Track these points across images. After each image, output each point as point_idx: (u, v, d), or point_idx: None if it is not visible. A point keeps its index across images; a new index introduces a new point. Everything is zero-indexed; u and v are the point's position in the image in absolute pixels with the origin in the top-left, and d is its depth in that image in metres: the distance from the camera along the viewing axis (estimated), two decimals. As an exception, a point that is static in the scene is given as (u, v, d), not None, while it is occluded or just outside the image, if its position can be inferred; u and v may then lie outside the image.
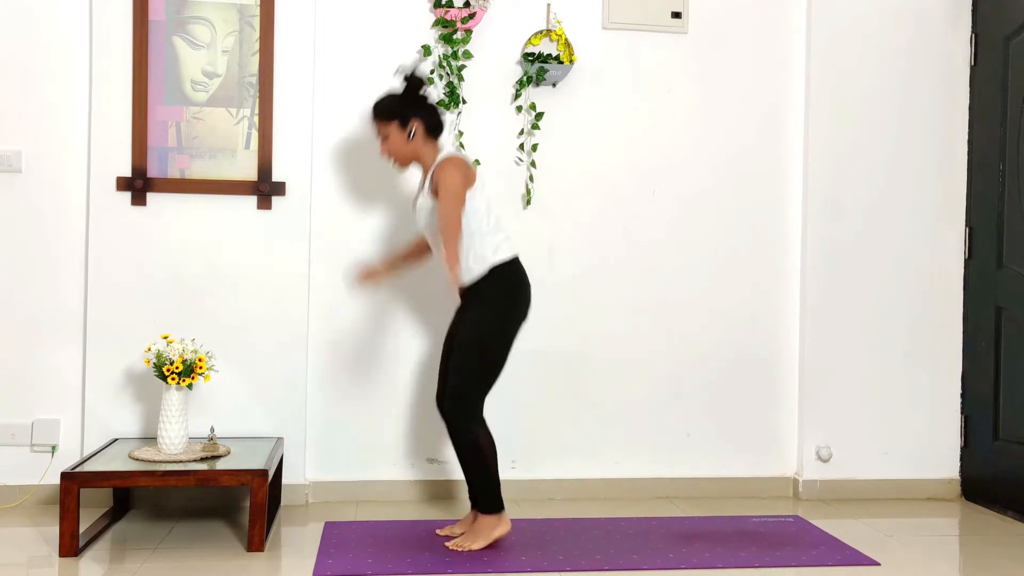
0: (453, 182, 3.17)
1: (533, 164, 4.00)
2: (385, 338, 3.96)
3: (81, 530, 3.27)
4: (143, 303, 3.76)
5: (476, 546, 3.26)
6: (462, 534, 3.38)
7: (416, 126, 3.31)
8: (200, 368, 3.40)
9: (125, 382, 3.76)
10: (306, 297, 3.86)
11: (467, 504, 3.86)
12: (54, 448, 3.79)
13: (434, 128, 3.36)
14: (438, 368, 3.50)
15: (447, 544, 3.30)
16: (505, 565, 3.14)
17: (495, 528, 3.30)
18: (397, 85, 3.42)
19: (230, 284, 3.81)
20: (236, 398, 3.81)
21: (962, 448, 4.20)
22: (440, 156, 3.31)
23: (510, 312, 3.32)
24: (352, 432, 3.95)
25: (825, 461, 4.12)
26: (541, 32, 3.96)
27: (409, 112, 3.31)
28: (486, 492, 3.29)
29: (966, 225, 4.20)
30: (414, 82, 3.36)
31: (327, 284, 3.92)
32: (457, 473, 3.98)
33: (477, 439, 3.26)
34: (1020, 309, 3.91)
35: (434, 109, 3.39)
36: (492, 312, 3.29)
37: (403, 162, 3.38)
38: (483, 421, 3.28)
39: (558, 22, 3.99)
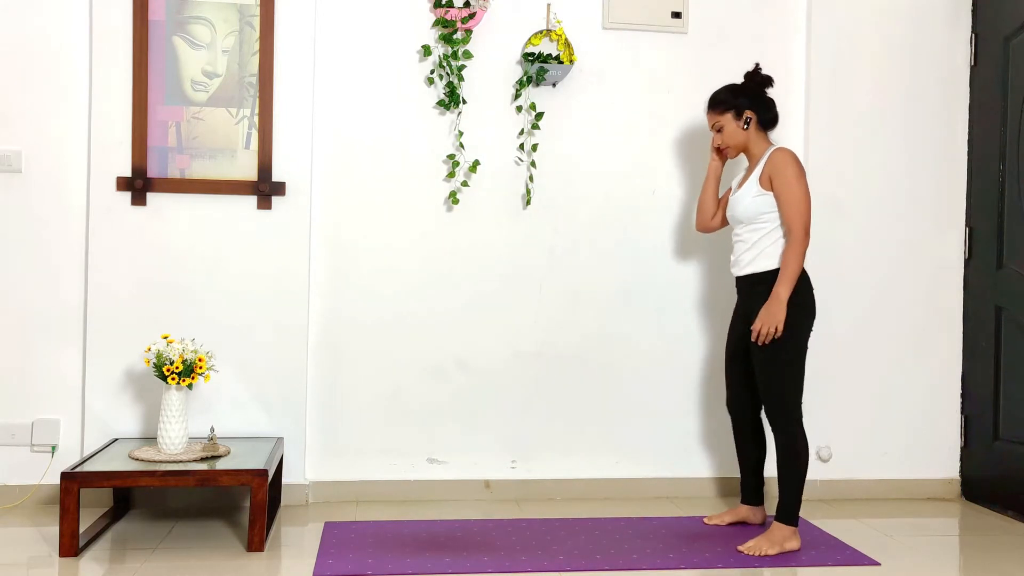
0: (802, 176, 3.35)
1: (533, 164, 4.00)
2: (385, 338, 3.96)
3: (81, 530, 3.27)
4: (143, 303, 3.76)
5: (772, 551, 3.28)
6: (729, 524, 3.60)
7: (750, 116, 3.46)
8: (200, 368, 3.40)
9: (125, 382, 3.76)
10: (306, 297, 3.86)
11: (462, 506, 3.87)
12: (54, 448, 3.79)
13: (768, 122, 3.50)
14: (728, 365, 3.59)
15: (740, 548, 3.30)
16: (505, 565, 3.14)
17: (788, 540, 3.34)
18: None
19: (230, 284, 3.81)
20: (236, 398, 3.81)
21: (962, 448, 4.20)
22: (771, 148, 3.45)
23: (811, 317, 3.39)
24: (352, 432, 3.95)
25: (825, 461, 4.12)
26: (541, 32, 3.96)
27: (744, 104, 3.47)
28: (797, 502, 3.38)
29: (966, 225, 4.20)
30: (759, 79, 3.51)
31: (327, 284, 3.92)
32: (456, 473, 3.99)
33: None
34: (1020, 309, 3.91)
35: (771, 104, 3.51)
36: (800, 315, 3.35)
37: (735, 151, 3.53)
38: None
39: (558, 22, 3.99)
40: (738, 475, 3.72)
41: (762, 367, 3.36)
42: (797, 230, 3.29)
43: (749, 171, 3.52)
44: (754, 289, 3.42)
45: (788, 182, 3.32)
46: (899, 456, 4.16)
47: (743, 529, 3.57)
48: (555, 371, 4.05)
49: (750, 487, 3.63)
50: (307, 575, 3.04)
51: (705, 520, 3.67)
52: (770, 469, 3.66)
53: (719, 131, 3.52)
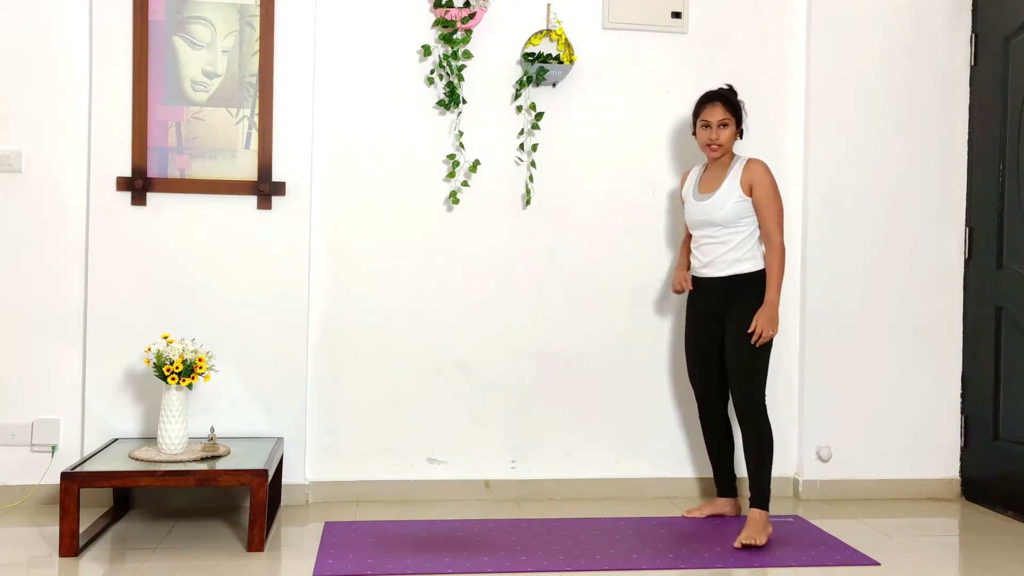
0: (775, 185, 3.55)
1: (533, 164, 4.00)
2: (385, 337, 3.96)
3: (81, 530, 3.27)
4: (143, 303, 3.76)
5: (762, 541, 3.37)
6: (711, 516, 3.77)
7: (744, 129, 3.68)
8: (200, 368, 3.40)
9: (125, 382, 3.76)
10: (306, 297, 3.86)
11: (462, 506, 3.87)
12: (54, 448, 3.79)
13: (741, 135, 3.70)
14: (700, 364, 3.72)
15: (737, 544, 3.36)
16: (505, 565, 3.14)
17: (767, 524, 3.47)
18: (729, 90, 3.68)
19: (230, 284, 3.81)
20: (236, 398, 3.81)
21: (962, 448, 4.20)
22: (741, 157, 3.62)
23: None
24: (352, 432, 3.95)
25: (825, 461, 4.12)
26: (541, 32, 3.96)
27: (743, 116, 3.66)
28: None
29: (966, 225, 4.20)
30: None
31: (327, 284, 3.92)
32: (456, 473, 3.99)
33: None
34: (1020, 309, 3.91)
35: None
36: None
37: (724, 152, 3.62)
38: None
39: (558, 22, 3.99)
40: (735, 475, 3.76)
41: (739, 362, 3.52)
42: (778, 237, 3.51)
43: (717, 177, 3.61)
44: (734, 289, 3.55)
45: (768, 192, 3.52)
46: (899, 456, 4.16)
47: (737, 527, 3.57)
48: (555, 371, 4.05)
49: (725, 480, 3.82)
50: (307, 575, 3.04)
51: (684, 514, 3.80)
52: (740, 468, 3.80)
53: (723, 127, 3.58)
